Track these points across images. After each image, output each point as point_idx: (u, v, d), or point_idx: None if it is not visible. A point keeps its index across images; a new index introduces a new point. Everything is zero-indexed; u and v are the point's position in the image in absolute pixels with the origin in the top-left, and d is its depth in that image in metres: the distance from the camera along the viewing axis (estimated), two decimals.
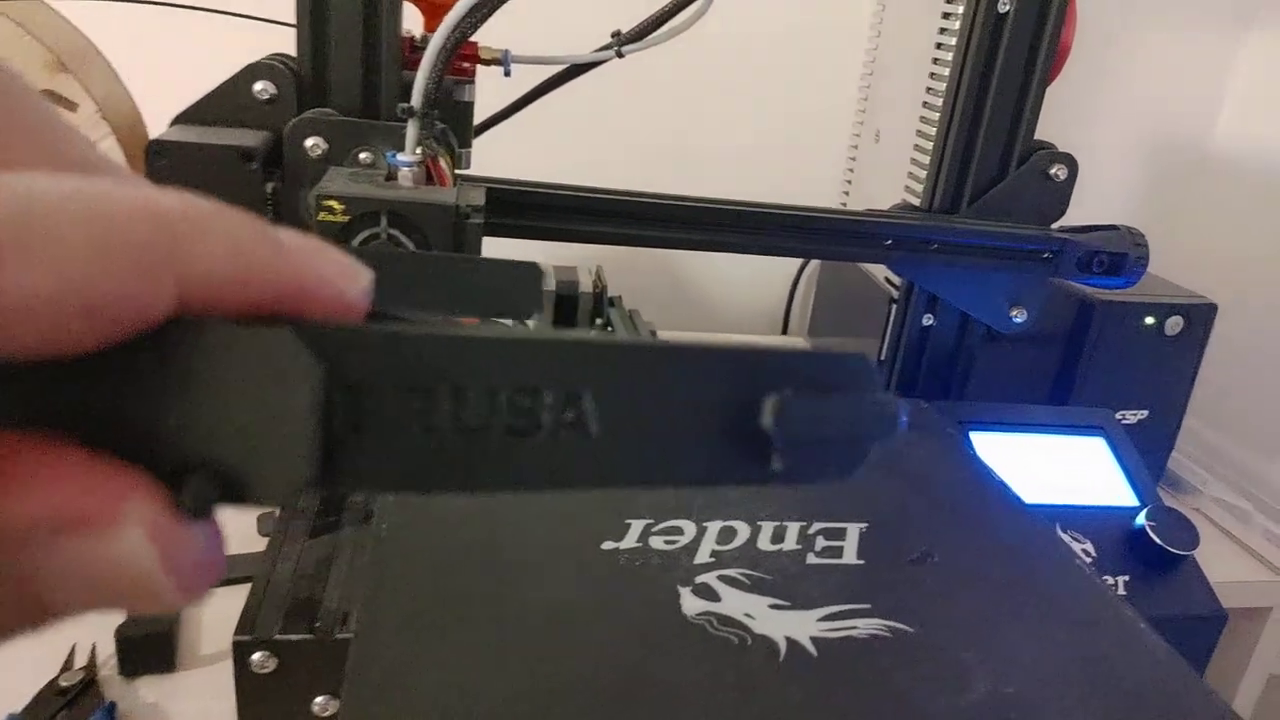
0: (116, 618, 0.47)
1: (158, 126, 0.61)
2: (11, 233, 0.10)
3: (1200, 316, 0.70)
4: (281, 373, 0.11)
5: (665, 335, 0.78)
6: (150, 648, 0.45)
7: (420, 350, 0.12)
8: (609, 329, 0.77)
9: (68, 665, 0.44)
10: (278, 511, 0.53)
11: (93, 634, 0.46)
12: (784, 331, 1.03)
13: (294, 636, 0.42)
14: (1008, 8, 0.54)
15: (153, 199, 0.11)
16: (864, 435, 0.14)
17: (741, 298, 1.04)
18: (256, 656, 0.41)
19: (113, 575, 0.11)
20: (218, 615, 0.49)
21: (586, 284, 0.79)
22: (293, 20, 0.51)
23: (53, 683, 0.43)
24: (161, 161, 0.46)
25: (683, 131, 0.98)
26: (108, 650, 0.45)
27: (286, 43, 0.54)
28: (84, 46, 0.57)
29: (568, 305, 0.76)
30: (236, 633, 0.42)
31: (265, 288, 0.12)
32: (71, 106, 0.51)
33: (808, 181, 0.93)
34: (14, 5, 0.51)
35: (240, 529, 0.56)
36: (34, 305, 0.10)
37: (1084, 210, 0.63)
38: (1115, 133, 1.07)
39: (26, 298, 0.10)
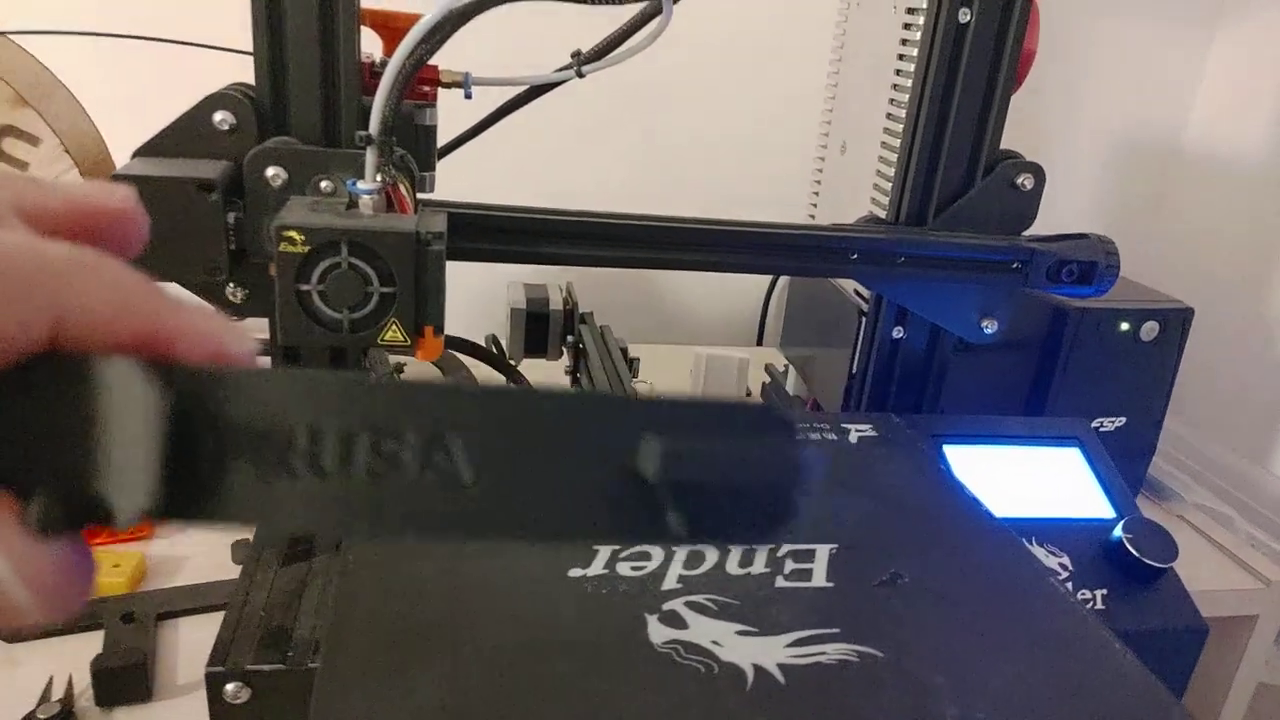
0: (93, 650, 0.46)
1: (124, 158, 0.61)
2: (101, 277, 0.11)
3: (1176, 321, 0.70)
4: (126, 401, 0.11)
5: (638, 350, 0.78)
6: (126, 679, 0.45)
7: (271, 388, 0.12)
8: (580, 346, 0.77)
9: (45, 698, 0.44)
10: (251, 539, 0.53)
11: (69, 665, 0.46)
12: (759, 343, 1.03)
13: (267, 667, 0.42)
14: (969, 17, 0.54)
15: (37, 246, 0.12)
16: (767, 485, 0.13)
17: (715, 310, 1.04)
18: (230, 687, 0.41)
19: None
20: (193, 644, 0.49)
21: (557, 301, 0.79)
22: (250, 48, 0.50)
23: (30, 715, 0.43)
24: None
25: (648, 147, 0.98)
26: (84, 682, 0.45)
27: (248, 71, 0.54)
28: (46, 80, 0.57)
29: (538, 323, 0.75)
30: (209, 664, 0.41)
31: (139, 330, 0.12)
32: (33, 141, 0.51)
33: (776, 194, 0.93)
34: None
35: (215, 558, 0.56)
36: (99, 321, 0.11)
37: (1055, 214, 0.63)
38: (1085, 136, 1.07)
39: (98, 312, 0.11)
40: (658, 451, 0.13)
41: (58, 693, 0.44)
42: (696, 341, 0.95)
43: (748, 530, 0.13)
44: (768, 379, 0.80)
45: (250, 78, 0.53)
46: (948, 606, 0.40)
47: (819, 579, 0.41)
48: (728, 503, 0.13)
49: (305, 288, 0.44)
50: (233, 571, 0.54)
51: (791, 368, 0.75)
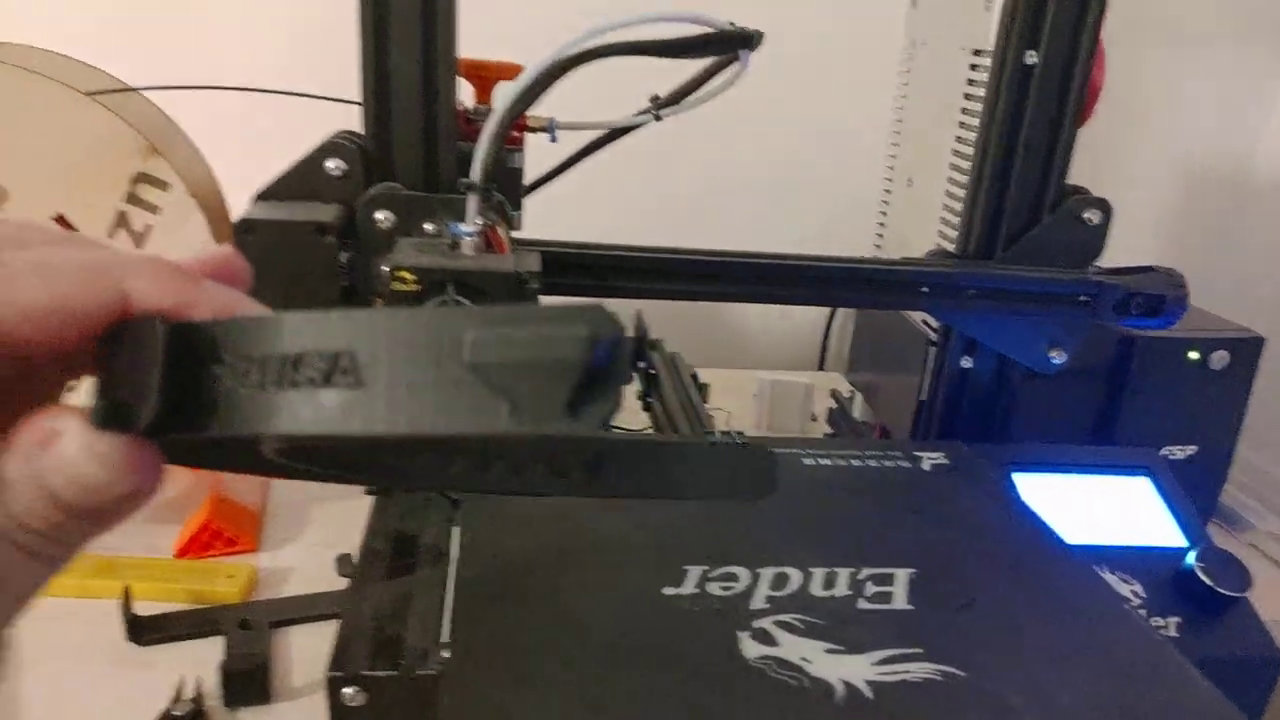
0: (215, 654, 0.51)
1: (233, 195, 0.66)
2: (24, 272, 0.17)
3: (1247, 350, 0.70)
4: (148, 345, 0.17)
5: (705, 375, 0.80)
6: (250, 681, 0.49)
7: (234, 330, 0.17)
8: (651, 372, 0.80)
9: (177, 697, 0.47)
10: (354, 555, 0.57)
11: (194, 668, 0.50)
12: (820, 368, 1.05)
13: (382, 673, 0.45)
14: (1035, 59, 0.56)
15: (107, 253, 0.19)
16: (564, 362, 0.14)
17: (777, 335, 1.06)
18: (348, 691, 0.44)
19: (75, 469, 0.17)
20: (304, 650, 0.53)
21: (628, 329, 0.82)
22: (355, 98, 0.55)
23: (166, 713, 0.46)
24: (248, 236, 0.50)
25: (716, 182, 1.01)
26: (209, 682, 0.49)
27: (345, 119, 0.58)
28: (171, 130, 0.62)
29: None
30: (330, 668, 0.45)
31: (180, 304, 0.18)
32: (163, 186, 0.56)
33: (841, 227, 0.96)
34: (111, 95, 0.56)
35: (319, 570, 0.60)
36: (38, 310, 0.17)
37: (1123, 240, 0.64)
38: (1152, 164, 1.08)
39: (35, 306, 0.17)
40: (468, 340, 0.15)
41: (189, 692, 0.48)
42: (758, 366, 0.97)
43: (584, 415, 0.15)
44: (834, 404, 0.82)
45: (341, 124, 0.57)
46: (1025, 631, 0.42)
47: (899, 602, 0.43)
48: (548, 388, 0.14)
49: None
50: (335, 582, 0.58)
51: (858, 393, 0.77)
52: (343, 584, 0.56)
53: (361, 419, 0.15)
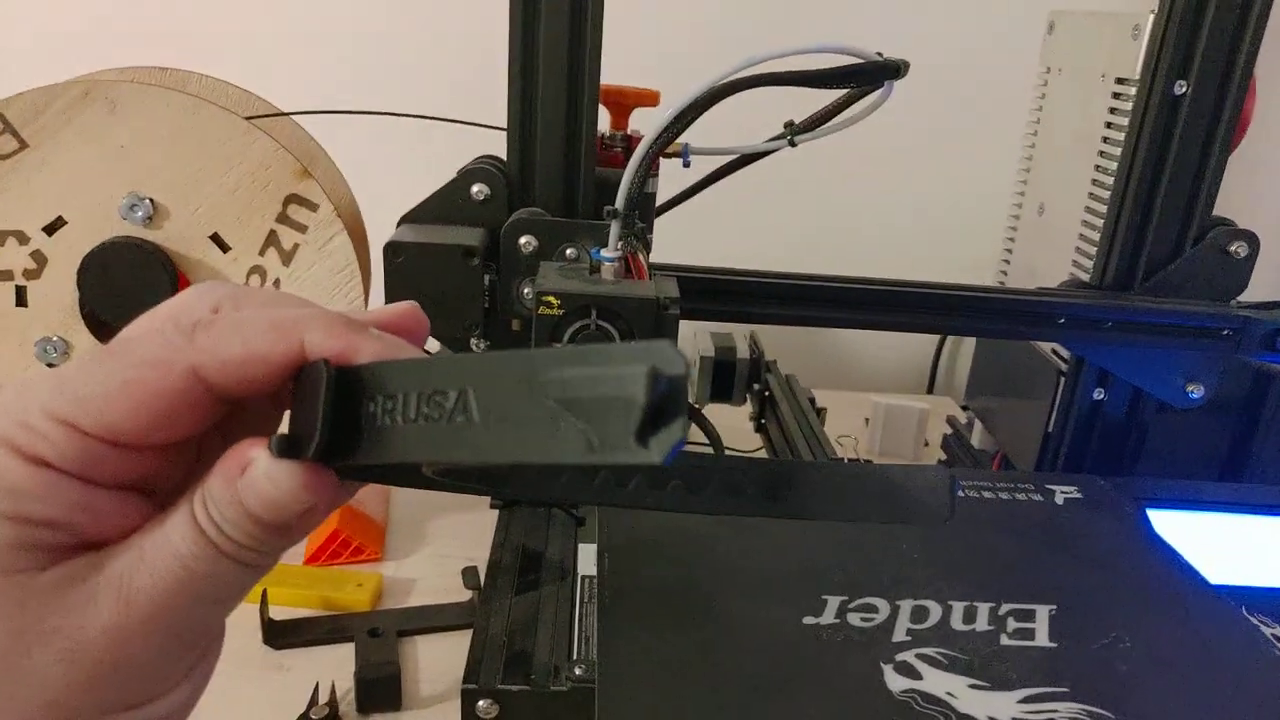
0: (345, 659, 0.52)
1: (370, 217, 0.69)
2: (227, 330, 0.21)
3: None
4: (315, 385, 0.20)
5: (818, 395, 0.80)
6: (383, 688, 0.50)
7: (382, 372, 0.20)
8: (767, 394, 0.80)
9: (313, 701, 0.49)
10: (479, 568, 0.58)
11: (325, 673, 0.51)
12: (929, 391, 1.03)
13: (514, 687, 0.46)
14: (1184, 89, 0.55)
15: (293, 309, 0.22)
16: (625, 399, 0.15)
17: (887, 357, 1.05)
18: (482, 704, 0.46)
19: (262, 490, 0.20)
20: (430, 660, 0.54)
21: (743, 350, 0.82)
22: (494, 123, 0.57)
23: (304, 715, 0.48)
24: (397, 259, 0.52)
25: (842, 209, 1.01)
26: (342, 688, 0.51)
27: (481, 143, 0.60)
28: (316, 152, 0.65)
29: (725, 371, 0.79)
30: (465, 681, 0.46)
31: (345, 350, 0.21)
32: (313, 207, 0.59)
33: (966, 255, 0.94)
34: (267, 121, 0.59)
35: (443, 581, 0.61)
36: (238, 361, 0.21)
37: (1265, 275, 0.62)
38: None
39: (236, 357, 0.21)
40: (547, 380, 0.17)
41: (324, 697, 0.50)
42: (866, 388, 0.97)
43: (652, 446, 0.15)
44: (949, 430, 0.81)
45: (471, 149, 0.59)
46: (1171, 672, 0.41)
47: (1042, 638, 0.42)
48: (620, 420, 0.16)
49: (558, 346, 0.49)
50: (457, 594, 0.60)
51: (976, 419, 0.76)
52: (465, 595, 0.58)
53: (473, 449, 0.18)
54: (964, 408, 0.79)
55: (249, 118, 0.58)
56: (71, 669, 0.20)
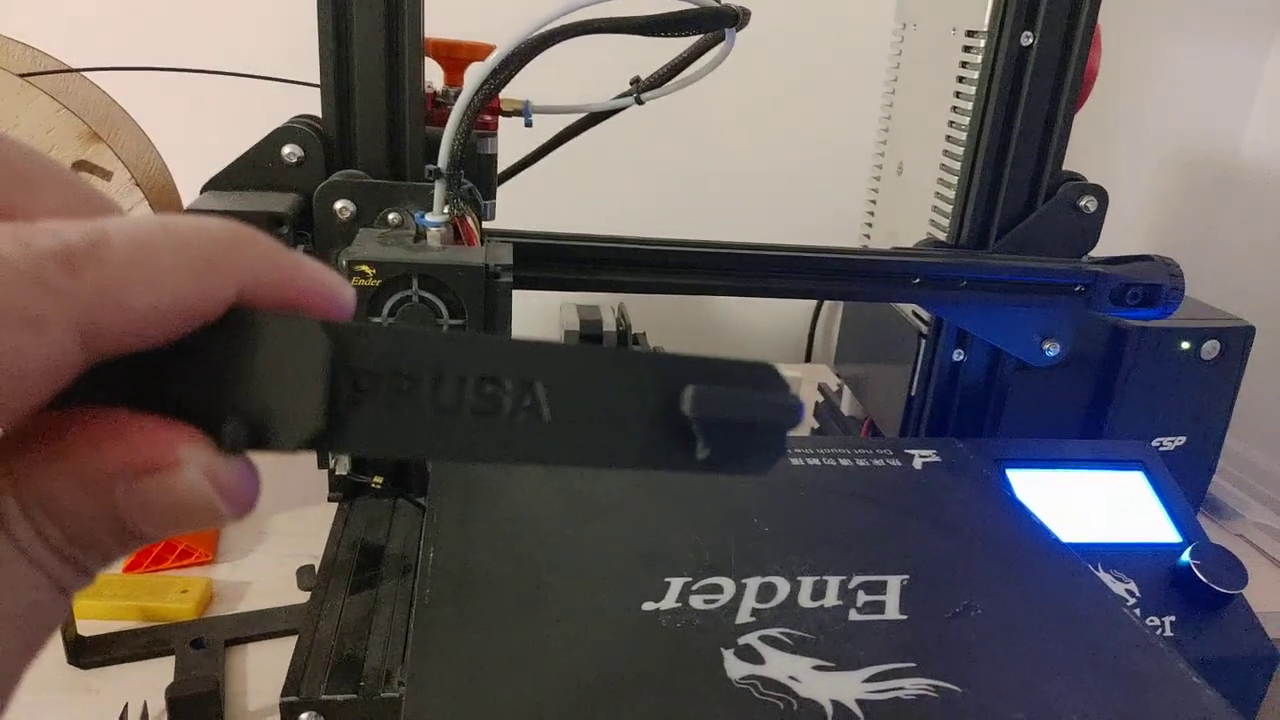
0: (164, 674, 0.47)
1: (186, 187, 0.62)
2: (130, 265, 0.13)
3: (1237, 339, 0.69)
4: (305, 351, 0.14)
5: None
6: (200, 706, 0.45)
7: (406, 342, 0.15)
8: None
9: None
10: (316, 567, 0.54)
11: (142, 692, 0.47)
12: (807, 360, 1.02)
13: (340, 696, 0.42)
14: (1031, 40, 0.54)
15: (207, 225, 0.15)
16: (772, 424, 0.17)
17: (762, 327, 1.03)
18: (304, 716, 0.42)
19: (183, 502, 0.14)
20: (261, 670, 0.50)
21: (610, 322, 0.79)
22: (315, 80, 0.51)
23: None
24: None
25: (700, 171, 0.98)
26: (157, 708, 0.46)
27: (305, 103, 0.54)
28: (117, 115, 0.58)
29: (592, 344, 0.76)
30: (284, 694, 0.42)
31: (289, 289, 0.15)
32: (106, 175, 0.52)
33: (829, 215, 0.93)
34: (49, 79, 0.52)
35: (279, 583, 0.57)
36: (149, 313, 0.14)
37: (1110, 232, 0.62)
38: (1140, 152, 1.06)
39: (147, 309, 0.14)
40: (692, 393, 0.16)
41: (134, 718, 0.45)
42: (742, 357, 0.95)
43: (757, 463, 0.17)
44: (821, 398, 0.79)
45: (305, 109, 0.54)
46: (1022, 638, 0.40)
47: (892, 611, 0.41)
48: (742, 438, 0.17)
49: (376, 320, 0.45)
50: (296, 596, 0.55)
51: (845, 387, 0.74)
52: (304, 598, 0.53)
53: (538, 451, 0.16)
54: (837, 375, 0.78)
55: (24, 75, 0.51)
56: None
